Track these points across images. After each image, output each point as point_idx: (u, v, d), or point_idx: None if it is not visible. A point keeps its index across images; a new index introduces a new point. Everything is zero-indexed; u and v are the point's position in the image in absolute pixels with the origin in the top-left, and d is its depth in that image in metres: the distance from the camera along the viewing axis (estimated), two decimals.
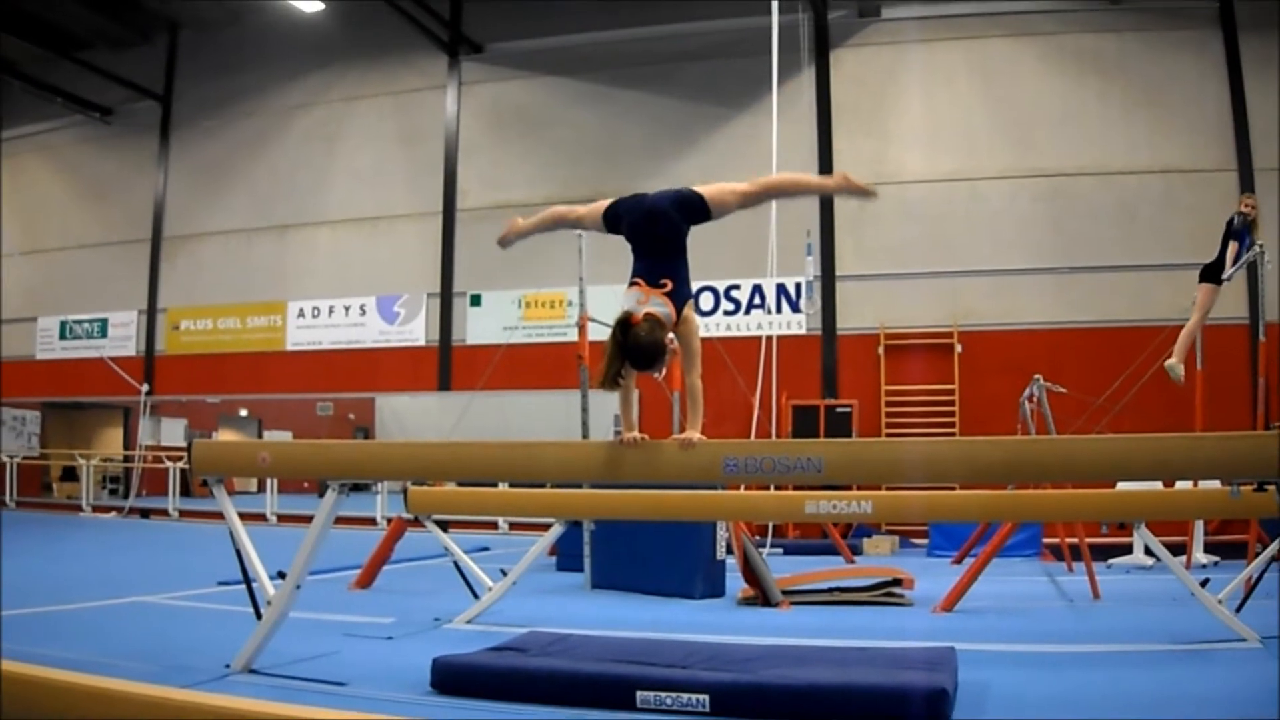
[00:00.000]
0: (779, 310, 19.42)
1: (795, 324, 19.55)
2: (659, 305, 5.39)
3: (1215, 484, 7.62)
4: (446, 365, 21.76)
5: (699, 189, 5.88)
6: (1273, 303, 14.43)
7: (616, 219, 5.86)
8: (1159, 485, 9.43)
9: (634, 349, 5.29)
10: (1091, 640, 7.76)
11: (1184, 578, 7.94)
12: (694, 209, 5.80)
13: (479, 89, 22.53)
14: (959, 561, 13.75)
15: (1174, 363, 12.01)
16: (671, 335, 5.47)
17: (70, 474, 25.77)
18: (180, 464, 21.77)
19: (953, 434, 17.79)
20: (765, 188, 6.24)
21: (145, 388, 23.94)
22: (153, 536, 18.51)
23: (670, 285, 5.46)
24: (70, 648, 6.61)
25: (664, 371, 5.65)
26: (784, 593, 9.83)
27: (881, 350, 19.13)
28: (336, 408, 24.13)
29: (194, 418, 26.83)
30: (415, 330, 22.24)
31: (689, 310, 5.55)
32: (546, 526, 9.80)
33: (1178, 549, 11.63)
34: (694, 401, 5.59)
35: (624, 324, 5.32)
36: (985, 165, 19.21)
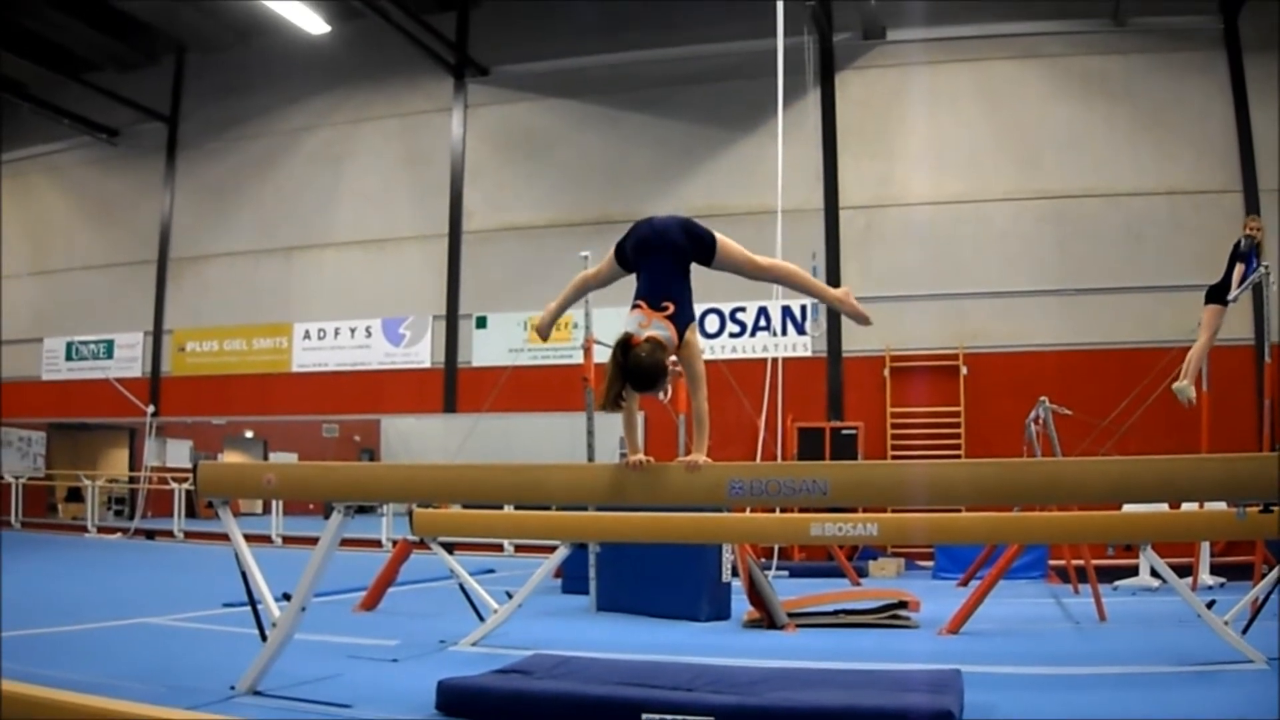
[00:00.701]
0: (784, 332, 19.43)
1: (801, 346, 19.56)
2: (660, 328, 5.39)
3: (1221, 505, 7.62)
4: (452, 387, 21.77)
5: (715, 233, 5.90)
6: (1278, 324, 14.43)
7: (624, 248, 5.87)
8: (1165, 507, 9.41)
9: (634, 370, 5.28)
10: (1098, 662, 7.74)
11: (1190, 599, 7.93)
12: (700, 242, 5.81)
13: (485, 111, 22.59)
14: (965, 584, 13.76)
15: (1185, 384, 12.02)
16: (674, 358, 5.47)
17: (75, 495, 25.77)
18: (186, 485, 21.75)
19: (958, 456, 17.78)
20: (773, 269, 6.21)
21: (151, 409, 23.94)
22: (158, 558, 18.50)
23: (672, 308, 5.46)
24: (75, 668, 6.61)
25: (669, 394, 5.67)
26: (789, 615, 9.82)
27: (887, 372, 19.12)
28: (342, 429, 24.17)
29: (199, 439, 26.85)
30: (421, 352, 22.26)
31: (691, 334, 5.55)
32: (552, 549, 9.82)
33: (1184, 570, 11.61)
34: (700, 424, 5.59)
35: (624, 345, 5.32)
36: (991, 187, 19.23)
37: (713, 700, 5.52)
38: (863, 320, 6.23)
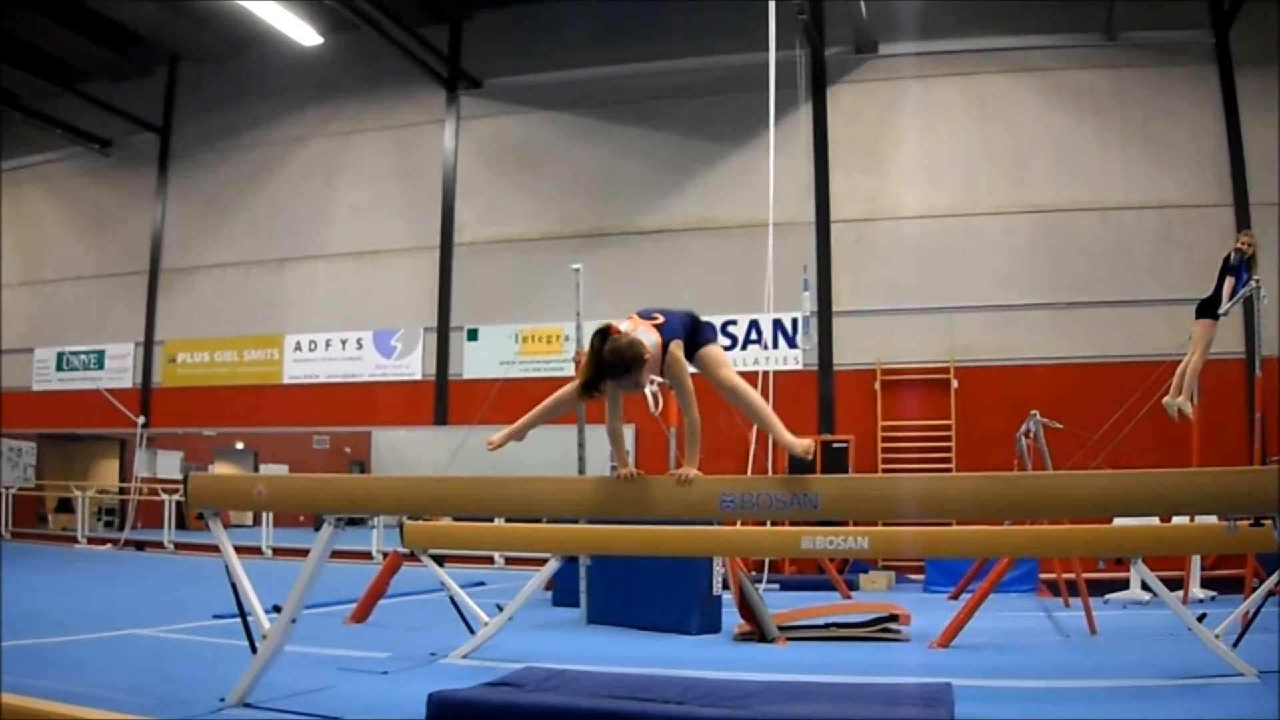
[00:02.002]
0: (776, 346, 19.43)
1: (792, 359, 19.56)
2: (646, 334, 5.50)
3: (1212, 519, 7.62)
4: (443, 399, 21.76)
5: (714, 342, 5.88)
6: (1269, 337, 14.39)
7: None
8: (1156, 520, 9.42)
9: (610, 353, 5.36)
10: (1088, 676, 7.74)
11: (1181, 613, 7.93)
12: (699, 328, 5.87)
13: (477, 124, 22.61)
14: (955, 597, 13.74)
15: (1181, 400, 12.01)
16: (659, 378, 5.51)
17: (66, 505, 25.70)
18: (176, 496, 21.71)
19: (949, 469, 17.79)
20: (737, 393, 5.85)
21: (141, 420, 23.92)
22: (148, 569, 18.45)
23: (661, 320, 5.53)
24: (65, 680, 6.58)
25: (659, 405, 5.67)
26: (780, 628, 9.80)
27: (878, 385, 19.13)
28: (333, 441, 24.09)
29: (190, 450, 26.77)
30: (412, 364, 22.26)
31: (676, 349, 5.58)
32: (542, 561, 9.80)
33: (1174, 584, 11.60)
34: (691, 438, 5.63)
35: (603, 333, 5.41)
36: (982, 201, 19.27)
37: (704, 714, 5.51)
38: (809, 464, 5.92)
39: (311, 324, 23.12)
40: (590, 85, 21.70)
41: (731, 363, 6.01)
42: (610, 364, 5.35)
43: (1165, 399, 12.20)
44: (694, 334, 5.85)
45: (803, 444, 5.64)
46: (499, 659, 8.05)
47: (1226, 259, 12.26)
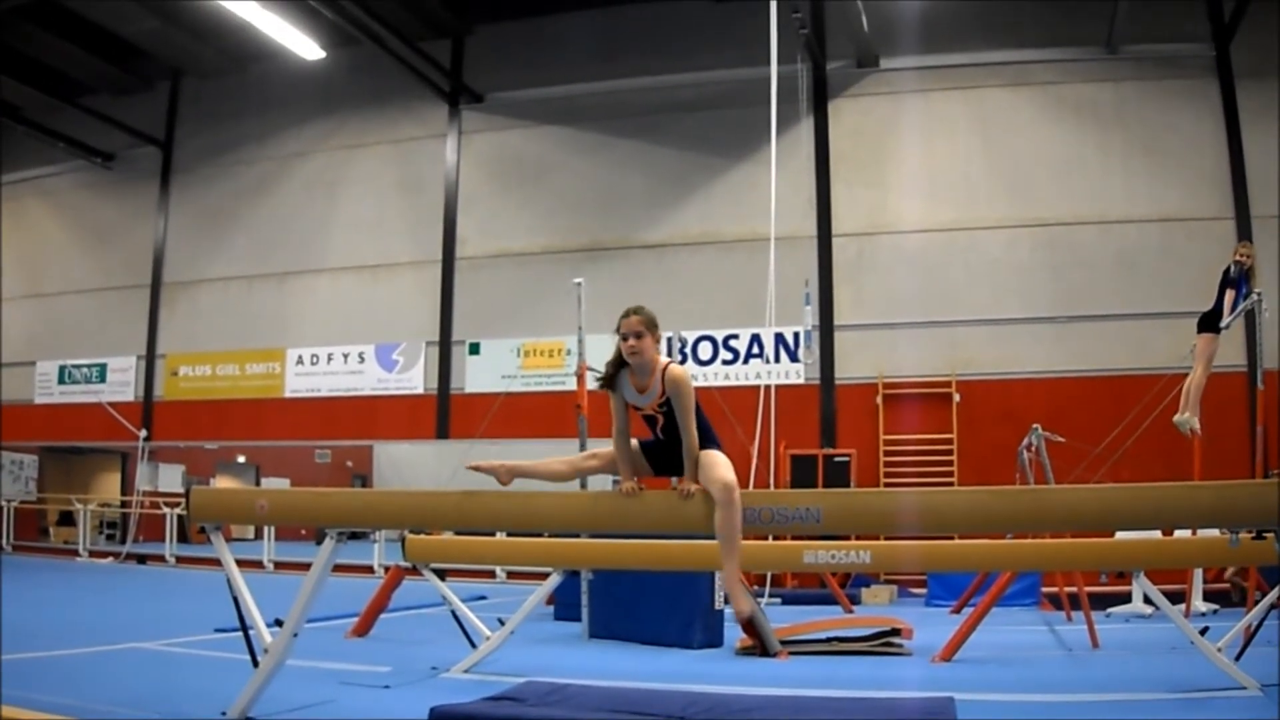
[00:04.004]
0: (777, 360, 19.41)
1: (794, 373, 19.55)
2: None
3: (1214, 532, 7.62)
4: (445, 413, 21.75)
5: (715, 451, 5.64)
6: (1271, 350, 14.35)
7: None
8: (1158, 534, 9.41)
9: (633, 306, 5.50)
10: (1091, 690, 7.73)
11: (1183, 626, 7.92)
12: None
13: (479, 138, 22.63)
14: (958, 611, 13.72)
15: (1187, 417, 12.06)
16: (661, 395, 5.52)
17: (67, 519, 25.68)
18: (178, 510, 21.70)
19: (951, 483, 17.76)
20: (720, 485, 5.45)
21: (143, 433, 23.89)
22: (149, 582, 18.44)
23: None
24: (67, 693, 6.58)
25: (653, 404, 5.63)
26: (782, 642, 9.79)
27: (880, 399, 19.12)
28: (334, 455, 24.08)
29: (192, 464, 26.76)
30: (414, 378, 22.26)
31: (677, 365, 5.59)
32: (544, 575, 9.79)
33: (1176, 597, 11.59)
34: (691, 453, 5.60)
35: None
36: (983, 215, 19.27)
37: None
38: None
39: (313, 338, 23.13)
40: (592, 100, 21.72)
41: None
42: (627, 312, 5.47)
43: (1175, 417, 12.24)
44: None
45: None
46: (501, 673, 8.04)
47: (1226, 272, 12.29)
